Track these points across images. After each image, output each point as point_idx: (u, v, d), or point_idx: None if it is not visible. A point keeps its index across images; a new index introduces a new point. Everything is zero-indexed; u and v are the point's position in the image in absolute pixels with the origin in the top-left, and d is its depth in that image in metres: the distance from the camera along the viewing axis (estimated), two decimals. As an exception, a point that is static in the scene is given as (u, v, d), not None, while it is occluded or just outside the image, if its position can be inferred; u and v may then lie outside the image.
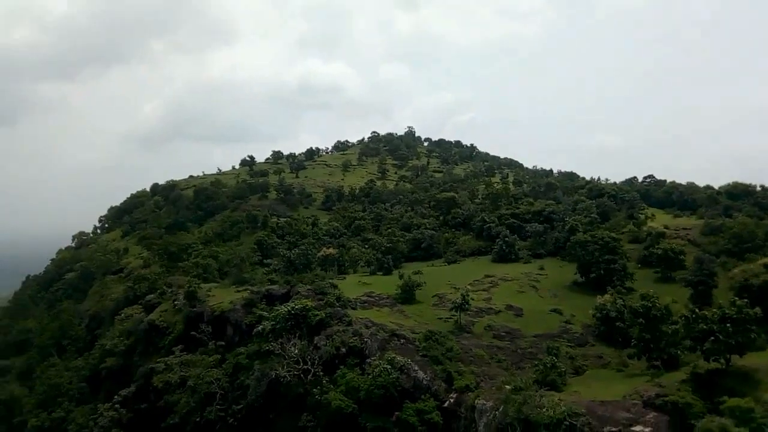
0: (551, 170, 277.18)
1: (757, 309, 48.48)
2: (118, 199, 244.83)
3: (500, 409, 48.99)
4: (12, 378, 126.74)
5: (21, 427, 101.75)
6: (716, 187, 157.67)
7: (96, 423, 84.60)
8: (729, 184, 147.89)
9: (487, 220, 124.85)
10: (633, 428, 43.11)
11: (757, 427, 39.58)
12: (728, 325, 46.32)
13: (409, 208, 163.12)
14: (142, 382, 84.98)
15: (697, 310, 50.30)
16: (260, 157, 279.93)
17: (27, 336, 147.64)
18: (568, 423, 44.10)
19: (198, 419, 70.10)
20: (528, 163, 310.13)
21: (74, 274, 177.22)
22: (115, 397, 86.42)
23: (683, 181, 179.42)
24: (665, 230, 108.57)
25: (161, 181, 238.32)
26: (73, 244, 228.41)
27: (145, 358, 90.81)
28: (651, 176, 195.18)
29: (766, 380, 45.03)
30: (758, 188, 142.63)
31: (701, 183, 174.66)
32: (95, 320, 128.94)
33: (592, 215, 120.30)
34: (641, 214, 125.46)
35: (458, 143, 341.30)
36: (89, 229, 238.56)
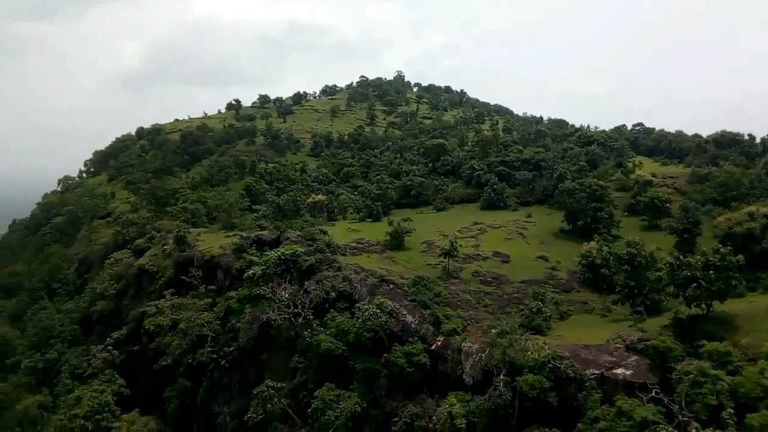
0: (541, 117, 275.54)
1: (740, 257, 49.54)
2: (103, 143, 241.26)
3: (486, 352, 50.28)
4: (3, 320, 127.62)
5: (14, 368, 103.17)
6: (704, 135, 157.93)
7: (89, 364, 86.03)
8: (717, 133, 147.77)
9: (477, 167, 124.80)
10: (615, 371, 44.55)
11: (734, 369, 41.10)
12: (711, 272, 47.38)
13: (399, 154, 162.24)
14: (134, 325, 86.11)
15: (681, 258, 51.29)
16: (247, 101, 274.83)
17: (16, 279, 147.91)
18: (551, 365, 45.41)
19: (190, 361, 71.46)
20: (518, 110, 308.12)
21: (62, 219, 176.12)
22: (108, 339, 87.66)
23: (672, 130, 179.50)
24: (653, 178, 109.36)
25: (146, 125, 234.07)
26: (59, 189, 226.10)
27: (135, 301, 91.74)
28: (640, 124, 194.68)
29: (744, 325, 46.44)
30: (746, 137, 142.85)
31: (690, 132, 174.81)
32: (84, 264, 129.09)
33: (580, 163, 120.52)
34: (630, 162, 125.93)
35: (448, 89, 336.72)
36: (74, 174, 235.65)
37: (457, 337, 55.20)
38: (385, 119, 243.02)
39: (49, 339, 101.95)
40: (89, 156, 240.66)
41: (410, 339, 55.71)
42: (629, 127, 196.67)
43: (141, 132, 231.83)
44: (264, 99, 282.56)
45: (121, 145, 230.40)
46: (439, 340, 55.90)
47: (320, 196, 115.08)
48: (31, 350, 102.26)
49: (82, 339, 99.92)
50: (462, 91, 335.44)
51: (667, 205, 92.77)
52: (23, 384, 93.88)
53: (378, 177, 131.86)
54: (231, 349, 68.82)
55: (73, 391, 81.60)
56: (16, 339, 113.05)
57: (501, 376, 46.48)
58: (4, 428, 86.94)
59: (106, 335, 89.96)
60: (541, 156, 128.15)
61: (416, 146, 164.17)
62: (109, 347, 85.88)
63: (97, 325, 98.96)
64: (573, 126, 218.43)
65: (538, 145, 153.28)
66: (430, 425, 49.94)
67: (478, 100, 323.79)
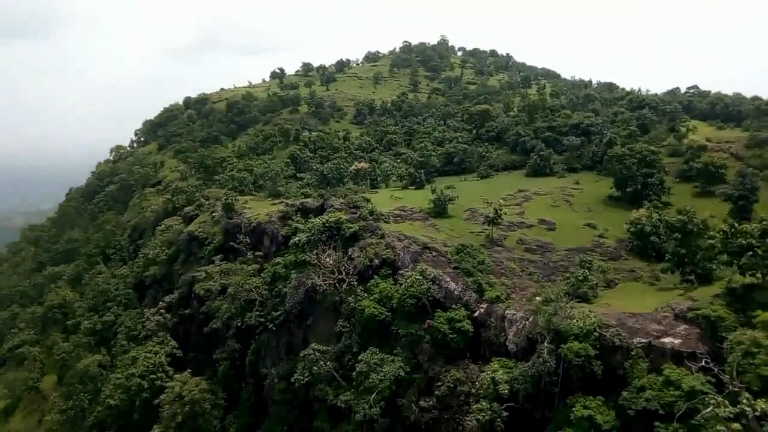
0: (590, 81, 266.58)
1: (800, 224, 47.34)
2: (152, 113, 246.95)
3: (530, 320, 50.06)
4: (64, 284, 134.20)
5: (75, 329, 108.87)
6: (764, 98, 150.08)
7: (143, 326, 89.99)
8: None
9: (522, 133, 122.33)
10: (663, 340, 43.62)
11: (790, 340, 39.69)
12: (768, 240, 45.52)
13: (442, 121, 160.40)
14: (185, 289, 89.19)
15: (736, 225, 49.39)
16: (290, 68, 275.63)
17: (74, 245, 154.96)
18: (597, 334, 44.84)
19: (239, 324, 73.76)
20: (566, 74, 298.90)
21: (114, 187, 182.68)
22: (160, 303, 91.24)
23: (729, 92, 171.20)
24: (707, 143, 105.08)
25: (193, 94, 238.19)
26: (112, 158, 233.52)
27: (186, 267, 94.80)
28: (695, 87, 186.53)
29: (802, 295, 44.63)
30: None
31: (749, 94, 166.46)
32: (137, 231, 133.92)
33: (631, 128, 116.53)
34: (683, 126, 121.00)
35: (493, 52, 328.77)
36: (126, 143, 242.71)
37: (500, 304, 55.01)
38: (428, 85, 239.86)
39: (106, 302, 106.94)
40: (140, 126, 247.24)
41: (453, 306, 55.82)
42: (683, 90, 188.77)
43: (188, 101, 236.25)
44: (307, 67, 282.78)
45: (169, 114, 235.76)
46: (482, 307, 55.85)
47: (363, 164, 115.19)
48: (89, 312, 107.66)
49: (136, 302, 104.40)
50: (508, 54, 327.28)
51: (722, 171, 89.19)
52: (83, 344, 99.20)
53: (421, 144, 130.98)
54: (278, 313, 70.63)
55: (129, 352, 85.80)
56: (75, 302, 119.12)
57: (545, 344, 46.17)
58: (67, 385, 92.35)
59: (159, 299, 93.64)
60: (590, 121, 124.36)
61: (460, 112, 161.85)
62: (161, 311, 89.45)
63: (150, 289, 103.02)
64: (623, 89, 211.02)
65: (586, 109, 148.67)
66: (473, 390, 50.31)
67: (524, 64, 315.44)
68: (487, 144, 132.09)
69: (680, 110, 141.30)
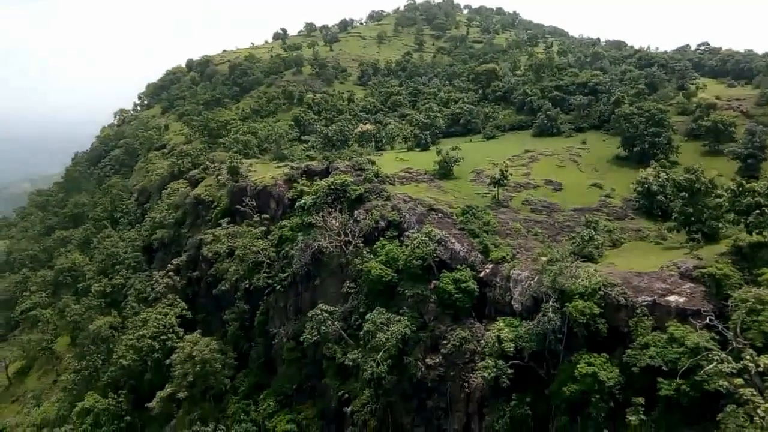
0: (598, 39, 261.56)
1: (809, 182, 47.06)
2: (154, 78, 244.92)
3: (535, 279, 50.33)
4: (73, 248, 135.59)
5: (85, 292, 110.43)
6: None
7: (153, 289, 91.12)
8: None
9: (529, 93, 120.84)
10: (667, 298, 43.94)
11: (795, 297, 39.87)
12: (776, 198, 45.30)
13: (447, 81, 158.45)
14: (193, 252, 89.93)
15: (744, 183, 49.11)
16: (293, 29, 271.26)
17: (81, 210, 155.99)
18: (602, 293, 45.16)
19: (247, 286, 74.57)
20: (574, 32, 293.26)
21: (119, 151, 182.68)
22: (169, 265, 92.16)
23: (741, 49, 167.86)
24: (716, 101, 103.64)
25: (195, 57, 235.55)
26: (116, 122, 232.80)
27: (193, 229, 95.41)
28: (705, 43, 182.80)
29: (808, 253, 44.65)
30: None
31: (761, 50, 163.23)
32: (143, 194, 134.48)
33: (639, 86, 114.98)
34: (692, 84, 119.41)
35: (500, 10, 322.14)
36: (129, 107, 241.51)
37: (506, 264, 55.25)
38: (433, 44, 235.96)
39: (115, 265, 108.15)
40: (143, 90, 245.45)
41: (459, 266, 56.15)
42: (693, 47, 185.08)
43: (190, 64, 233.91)
44: (310, 27, 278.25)
45: (172, 77, 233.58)
46: (487, 268, 56.16)
47: (368, 126, 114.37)
48: (99, 275, 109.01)
49: (144, 265, 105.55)
50: (515, 12, 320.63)
51: (731, 129, 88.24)
52: (94, 306, 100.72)
53: (426, 105, 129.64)
54: (285, 274, 71.29)
55: (140, 314, 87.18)
56: (85, 265, 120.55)
57: (550, 303, 46.59)
58: (80, 346, 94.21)
59: (167, 262, 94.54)
60: (598, 79, 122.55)
61: (466, 72, 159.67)
62: (170, 273, 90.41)
63: (158, 252, 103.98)
64: (632, 47, 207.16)
65: (594, 68, 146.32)
66: (478, 348, 51.04)
67: (531, 22, 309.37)
68: (493, 104, 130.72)
69: (690, 68, 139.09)
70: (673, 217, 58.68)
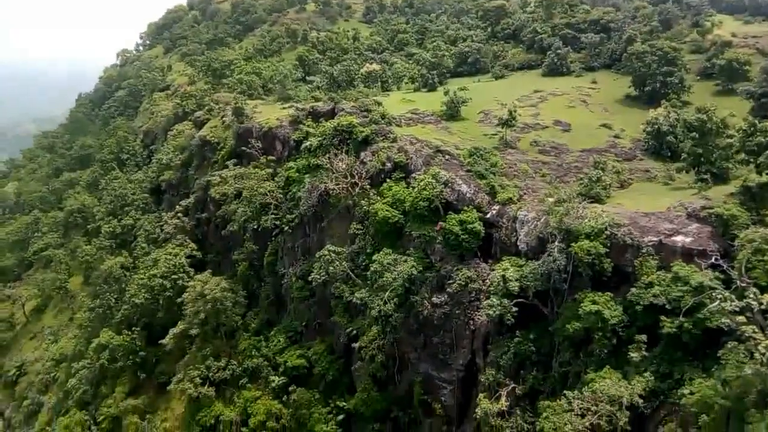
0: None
1: (823, 122, 46.32)
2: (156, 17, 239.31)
3: (542, 220, 50.45)
4: (81, 189, 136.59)
5: (95, 233, 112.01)
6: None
7: (162, 230, 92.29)
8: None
9: (539, 30, 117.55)
10: (673, 238, 44.08)
11: (802, 236, 39.92)
12: (789, 138, 44.74)
13: (455, 18, 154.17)
14: (200, 193, 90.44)
15: (756, 123, 48.38)
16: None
17: (88, 151, 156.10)
18: (609, 233, 45.33)
19: (255, 227, 75.25)
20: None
21: (123, 92, 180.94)
22: (177, 207, 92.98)
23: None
24: (732, 39, 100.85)
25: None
26: (118, 62, 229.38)
27: (200, 171, 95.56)
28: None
29: (817, 194, 44.37)
30: None
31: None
32: (149, 136, 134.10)
33: (652, 23, 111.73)
34: (707, 21, 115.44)
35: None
36: (131, 47, 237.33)
37: (512, 206, 55.34)
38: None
39: (124, 206, 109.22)
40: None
41: (465, 208, 56.26)
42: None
43: (192, 2, 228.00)
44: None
45: (174, 16, 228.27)
46: (494, 209, 56.25)
47: (374, 66, 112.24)
48: (108, 216, 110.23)
49: (153, 207, 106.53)
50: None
51: (746, 67, 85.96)
52: (105, 247, 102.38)
53: (433, 44, 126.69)
54: (293, 216, 71.85)
55: (150, 254, 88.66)
56: (94, 206, 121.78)
57: (556, 243, 46.93)
58: (93, 285, 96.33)
59: (175, 203, 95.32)
60: (610, 16, 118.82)
61: (474, 9, 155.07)
62: (179, 214, 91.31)
63: (166, 193, 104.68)
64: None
65: (606, 4, 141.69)
66: (484, 287, 51.85)
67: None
68: (502, 42, 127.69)
69: (706, 3, 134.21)
70: (682, 157, 58.16)
